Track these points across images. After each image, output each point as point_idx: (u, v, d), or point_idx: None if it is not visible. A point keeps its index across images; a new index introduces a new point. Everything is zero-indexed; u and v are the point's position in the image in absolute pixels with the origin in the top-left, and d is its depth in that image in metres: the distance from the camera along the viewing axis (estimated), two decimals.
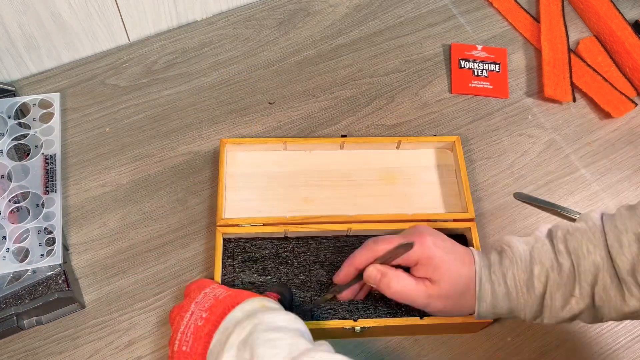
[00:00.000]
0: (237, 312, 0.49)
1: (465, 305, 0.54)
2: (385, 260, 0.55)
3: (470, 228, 0.66)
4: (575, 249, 0.51)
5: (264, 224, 0.64)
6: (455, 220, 0.66)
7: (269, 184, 0.70)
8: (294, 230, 0.65)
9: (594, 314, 0.51)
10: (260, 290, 0.62)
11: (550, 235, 0.54)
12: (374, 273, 0.54)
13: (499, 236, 0.70)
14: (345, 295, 0.59)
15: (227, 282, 0.63)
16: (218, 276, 0.62)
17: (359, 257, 0.56)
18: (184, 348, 0.50)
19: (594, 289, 0.50)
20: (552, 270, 0.51)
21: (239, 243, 0.66)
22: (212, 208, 0.70)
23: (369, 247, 0.56)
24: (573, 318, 0.52)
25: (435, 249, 0.54)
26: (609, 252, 0.50)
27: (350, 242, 0.67)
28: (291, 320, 0.49)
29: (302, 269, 0.65)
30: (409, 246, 0.53)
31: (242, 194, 0.69)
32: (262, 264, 0.65)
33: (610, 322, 0.65)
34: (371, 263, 0.55)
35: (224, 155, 0.68)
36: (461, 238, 0.67)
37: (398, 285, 0.54)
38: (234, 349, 0.46)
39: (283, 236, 0.66)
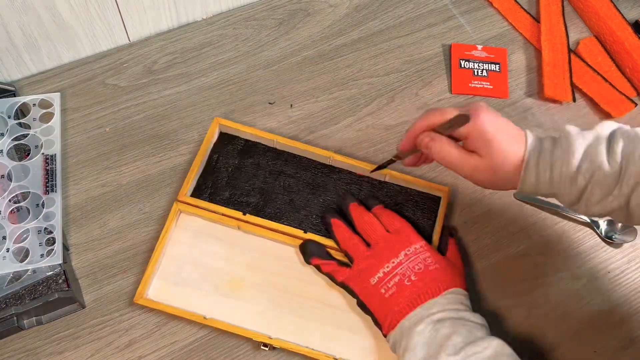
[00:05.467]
0: (441, 299, 0.57)
1: (508, 181, 0.55)
2: (441, 131, 0.56)
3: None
4: (628, 154, 0.51)
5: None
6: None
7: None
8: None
9: (626, 216, 0.52)
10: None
11: (611, 137, 0.53)
12: (425, 139, 0.57)
13: (503, 231, 0.70)
14: (409, 162, 0.62)
15: None
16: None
17: (417, 126, 0.58)
18: (382, 291, 0.59)
19: (632, 193, 0.50)
20: (599, 170, 0.51)
21: None
22: None
23: (425, 116, 0.58)
24: (605, 214, 0.53)
25: (488, 124, 0.54)
26: None
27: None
28: (481, 319, 0.57)
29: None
30: (465, 118, 0.54)
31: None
32: None
33: (610, 322, 0.66)
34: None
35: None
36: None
37: (445, 150, 0.55)
38: (432, 323, 0.55)
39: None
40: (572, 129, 0.54)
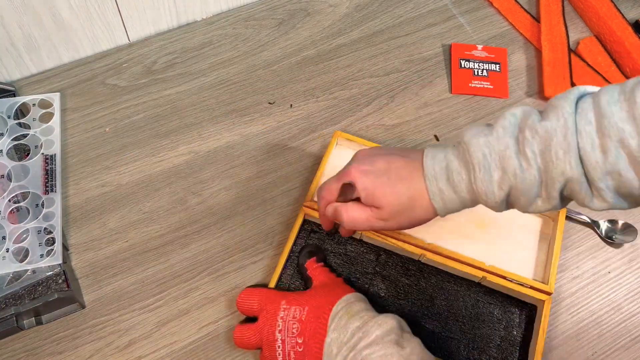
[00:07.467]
0: (332, 334, 0.55)
1: (420, 214, 0.53)
2: (343, 200, 0.58)
3: (544, 301, 0.62)
4: (542, 153, 0.46)
5: None
6: (531, 287, 0.63)
7: None
8: (368, 236, 0.66)
9: (562, 205, 0.49)
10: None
11: (516, 132, 0.48)
12: (330, 211, 0.58)
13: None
14: (344, 233, 0.64)
15: (290, 259, 0.66)
16: (286, 252, 0.65)
17: (321, 208, 0.60)
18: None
19: (561, 192, 0.47)
20: (515, 178, 0.47)
21: (315, 229, 0.68)
22: (212, 208, 0.70)
23: (320, 198, 0.59)
24: (540, 212, 0.52)
25: (363, 179, 0.54)
26: (580, 157, 0.44)
27: (419, 268, 0.66)
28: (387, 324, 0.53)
29: (363, 275, 0.66)
30: (351, 186, 0.56)
31: None
32: (328, 256, 0.67)
33: (610, 322, 0.66)
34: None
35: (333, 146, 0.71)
36: (532, 308, 0.64)
37: (349, 215, 0.56)
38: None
39: (358, 237, 0.67)
40: (470, 137, 0.50)
